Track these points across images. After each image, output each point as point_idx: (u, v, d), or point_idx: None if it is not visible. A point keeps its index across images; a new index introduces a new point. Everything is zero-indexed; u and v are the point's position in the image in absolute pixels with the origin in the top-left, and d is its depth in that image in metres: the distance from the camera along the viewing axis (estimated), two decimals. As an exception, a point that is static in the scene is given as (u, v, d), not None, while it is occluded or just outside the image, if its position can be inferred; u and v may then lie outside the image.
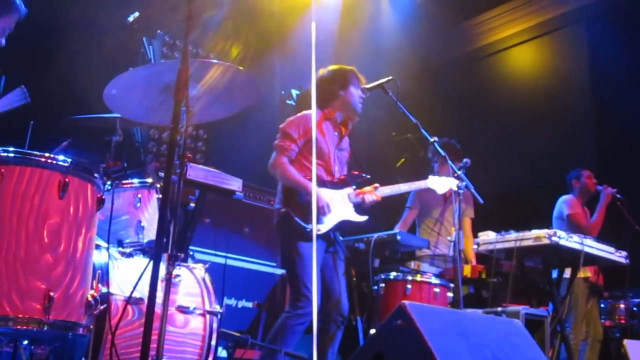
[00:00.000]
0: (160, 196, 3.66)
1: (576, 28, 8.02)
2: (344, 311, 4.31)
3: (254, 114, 6.35)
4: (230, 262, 5.67)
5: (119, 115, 3.77)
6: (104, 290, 2.97)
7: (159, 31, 6.81)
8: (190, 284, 3.43)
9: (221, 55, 7.16)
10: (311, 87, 3.35)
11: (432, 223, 5.95)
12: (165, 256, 2.51)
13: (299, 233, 4.17)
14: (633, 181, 6.49)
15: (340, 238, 4.48)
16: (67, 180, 2.69)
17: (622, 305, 6.53)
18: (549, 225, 5.94)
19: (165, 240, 2.45)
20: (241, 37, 7.43)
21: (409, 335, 2.89)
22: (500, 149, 8.00)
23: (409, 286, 4.83)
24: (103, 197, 2.89)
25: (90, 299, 2.78)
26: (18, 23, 3.57)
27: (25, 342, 2.80)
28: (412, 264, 5.21)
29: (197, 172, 3.74)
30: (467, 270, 5.29)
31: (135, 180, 3.76)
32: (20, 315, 2.51)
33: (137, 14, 4.66)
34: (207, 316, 3.35)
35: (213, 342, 3.34)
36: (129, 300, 3.01)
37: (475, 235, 5.45)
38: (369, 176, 4.51)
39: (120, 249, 3.54)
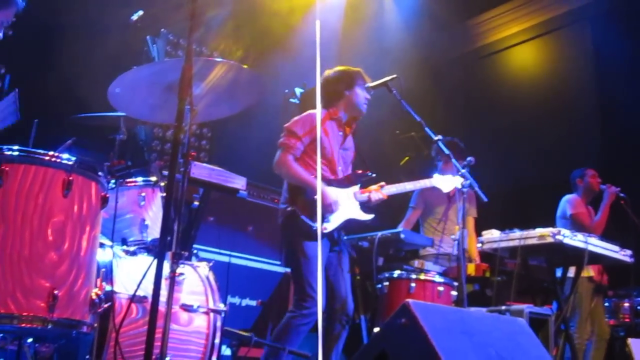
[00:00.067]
0: (164, 194, 3.66)
1: (580, 27, 8.00)
2: (349, 311, 4.30)
3: (258, 112, 6.35)
4: (234, 260, 5.68)
5: (123, 113, 3.77)
6: (108, 288, 2.98)
7: (162, 30, 6.81)
8: (194, 282, 3.43)
9: (225, 54, 7.17)
10: (315, 85, 3.35)
11: (435, 222, 5.94)
12: (169, 254, 2.52)
13: (304, 232, 4.16)
14: (636, 180, 6.47)
15: (345, 237, 4.48)
16: (71, 178, 2.69)
17: (626, 304, 6.52)
18: (553, 224, 5.93)
19: (169, 238, 2.46)
20: (245, 35, 7.43)
21: (413, 333, 2.89)
22: (504, 148, 7.99)
23: (413, 285, 4.83)
24: (107, 195, 2.89)
25: (94, 297, 2.79)
26: (22, 22, 3.57)
27: (30, 340, 2.82)
28: (416, 263, 5.20)
29: (201, 170, 3.74)
30: (471, 269, 5.29)
31: (139, 179, 3.76)
32: (24, 313, 2.51)
33: (141, 12, 4.66)
34: (211, 314, 3.36)
35: (217, 341, 3.34)
36: (133, 299, 3.01)
37: (479, 234, 5.44)
38: (374, 175, 4.50)
39: (124, 247, 3.55)
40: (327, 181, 4.31)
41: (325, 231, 4.20)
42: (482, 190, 4.61)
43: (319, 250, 3.42)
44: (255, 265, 6.08)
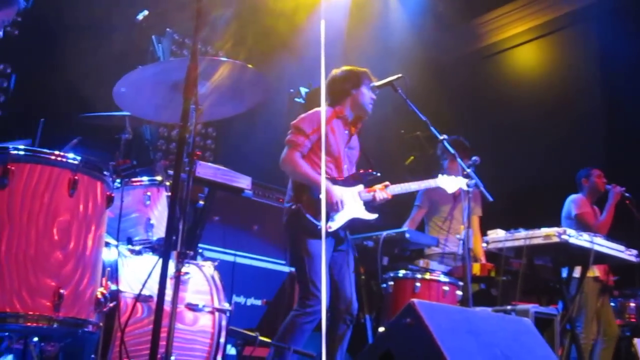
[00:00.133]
0: (170, 194, 3.67)
1: (585, 26, 7.99)
2: (353, 310, 4.30)
3: (263, 112, 6.35)
4: (239, 259, 5.69)
5: (128, 113, 3.78)
6: (114, 287, 2.98)
7: (168, 29, 6.81)
8: (200, 281, 3.43)
9: (230, 53, 7.17)
10: (320, 85, 3.35)
11: (440, 221, 5.93)
12: (174, 254, 2.52)
13: (309, 230, 4.16)
14: (642, 180, 6.47)
15: (350, 237, 4.48)
16: (76, 178, 2.69)
17: (632, 304, 6.50)
18: (558, 224, 5.92)
19: (174, 237, 2.46)
20: (250, 35, 7.43)
21: (418, 333, 2.89)
22: (509, 147, 7.98)
23: (418, 284, 4.82)
24: (112, 194, 2.89)
25: (99, 296, 2.79)
26: (28, 22, 3.58)
27: (35, 339, 2.82)
28: (421, 262, 5.20)
29: (206, 170, 3.74)
30: (476, 269, 5.28)
31: (145, 178, 3.76)
32: (30, 313, 2.52)
33: (146, 12, 4.66)
34: (216, 314, 3.36)
35: (222, 340, 3.34)
36: (138, 298, 3.02)
37: (484, 234, 5.43)
38: (378, 174, 4.50)
39: (129, 246, 3.55)
40: (332, 180, 4.31)
41: (329, 230, 4.20)
42: (487, 190, 4.61)
43: (323, 248, 3.41)
44: (260, 264, 6.09)
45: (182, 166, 2.47)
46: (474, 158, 4.78)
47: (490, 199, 4.61)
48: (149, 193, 3.74)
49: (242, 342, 4.38)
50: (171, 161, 4.49)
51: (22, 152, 2.63)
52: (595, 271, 6.03)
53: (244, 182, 3.97)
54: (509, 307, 4.81)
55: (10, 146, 2.62)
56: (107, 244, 3.12)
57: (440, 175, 4.89)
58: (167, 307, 2.37)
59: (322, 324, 2.86)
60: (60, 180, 2.67)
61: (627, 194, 6.26)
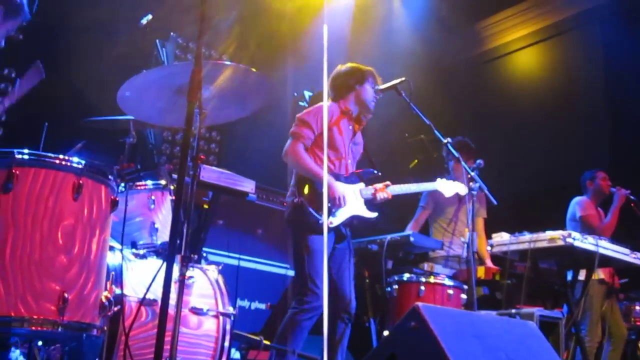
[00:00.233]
0: (174, 198, 3.67)
1: (589, 29, 7.98)
2: (351, 309, 4.28)
3: (267, 115, 6.35)
4: (243, 263, 5.68)
5: (132, 117, 3.78)
6: (118, 291, 2.99)
7: (172, 33, 6.83)
8: (204, 285, 3.43)
9: (234, 57, 7.18)
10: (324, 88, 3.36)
11: (445, 223, 5.92)
12: (178, 258, 2.52)
13: (310, 225, 4.14)
14: (647, 182, 6.45)
15: (350, 234, 4.47)
16: (81, 182, 2.70)
17: (637, 307, 6.49)
18: (563, 227, 5.91)
19: (178, 241, 2.46)
20: (253, 39, 7.43)
21: (423, 337, 2.88)
22: (514, 150, 7.97)
23: (423, 288, 4.82)
24: (117, 198, 2.90)
25: (104, 300, 2.79)
26: (32, 26, 3.59)
27: (40, 343, 2.82)
28: (426, 266, 5.19)
29: (210, 173, 3.75)
30: (480, 272, 5.27)
31: (149, 182, 3.77)
32: (35, 317, 2.52)
33: (150, 16, 4.67)
34: (221, 318, 3.36)
35: (226, 344, 3.34)
36: (143, 302, 3.02)
37: (489, 237, 5.42)
38: (379, 173, 4.51)
39: (134, 250, 3.56)
40: (335, 176, 4.31)
41: (330, 225, 4.20)
42: (491, 193, 4.61)
43: (325, 243, 3.37)
44: (264, 268, 6.08)
45: (186, 170, 2.47)
46: (478, 161, 4.78)
47: (495, 202, 4.61)
48: (153, 197, 3.74)
49: (246, 346, 4.38)
50: (175, 165, 4.51)
51: (26, 157, 2.63)
52: (600, 273, 6.02)
53: (247, 185, 3.97)
54: (513, 311, 4.80)
55: (15, 150, 2.62)
56: (112, 248, 3.12)
57: (439, 179, 4.91)
58: (171, 311, 2.37)
59: (324, 324, 2.85)
60: (65, 185, 2.67)
61: (632, 197, 6.25)
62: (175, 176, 3.67)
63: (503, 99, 8.53)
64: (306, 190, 4.21)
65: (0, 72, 2.79)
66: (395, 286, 4.94)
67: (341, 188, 4.26)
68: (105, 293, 2.83)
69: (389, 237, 5.05)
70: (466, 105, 8.50)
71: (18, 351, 2.78)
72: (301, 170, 4.27)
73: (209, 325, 3.32)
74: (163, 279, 2.32)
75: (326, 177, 3.29)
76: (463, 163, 4.56)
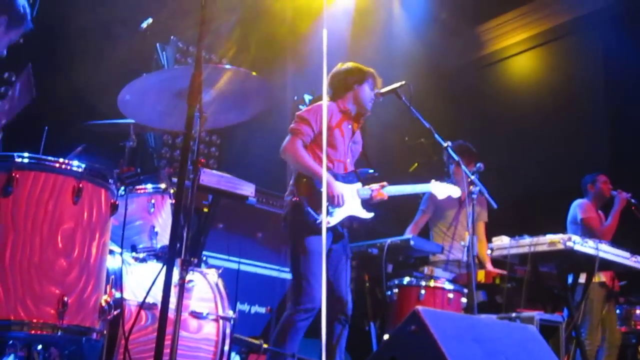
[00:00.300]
0: (174, 201, 3.67)
1: (589, 32, 7.98)
2: (348, 310, 4.27)
3: (267, 119, 6.35)
4: (243, 267, 5.67)
5: (132, 120, 3.78)
6: (118, 295, 2.98)
7: (172, 37, 6.83)
8: (204, 289, 3.43)
9: (234, 61, 7.18)
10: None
11: (445, 227, 5.92)
12: (178, 261, 2.51)
13: (308, 226, 4.12)
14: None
15: (347, 233, 4.46)
16: (81, 185, 2.70)
17: (638, 311, 6.47)
18: (563, 230, 5.91)
19: (178, 245, 2.46)
20: (254, 42, 7.44)
21: (423, 340, 2.88)
22: (514, 154, 7.97)
23: (423, 292, 4.82)
24: (117, 202, 2.90)
25: (103, 304, 2.79)
26: (32, 30, 3.61)
27: (40, 346, 2.82)
28: (426, 269, 5.19)
29: (210, 177, 3.75)
30: (480, 276, 5.27)
31: (149, 186, 3.76)
32: (34, 320, 2.51)
33: (150, 20, 4.68)
34: (220, 321, 3.35)
35: (226, 348, 3.34)
36: (143, 306, 3.02)
37: (489, 240, 5.42)
38: (376, 173, 4.51)
39: (133, 254, 3.55)
40: (333, 174, 4.30)
41: (327, 225, 4.18)
42: (491, 197, 4.61)
43: (324, 243, 3.37)
44: (264, 272, 6.08)
45: (186, 174, 2.47)
46: (478, 165, 4.79)
47: (495, 205, 4.61)
48: (153, 201, 3.73)
49: (246, 349, 4.37)
50: (175, 169, 4.49)
51: (26, 160, 2.63)
52: (601, 276, 6.02)
53: (247, 189, 3.97)
54: (513, 315, 4.79)
55: (15, 154, 2.62)
56: (112, 252, 3.12)
57: (433, 181, 4.92)
58: (171, 314, 2.36)
59: (322, 326, 2.85)
60: (65, 188, 2.67)
61: (633, 200, 6.26)
62: (175, 180, 3.66)
63: (503, 103, 8.53)
64: (304, 188, 4.19)
65: (0, 76, 2.79)
66: (396, 290, 4.94)
67: (339, 187, 4.25)
68: (105, 297, 2.83)
69: (389, 240, 5.05)
70: (466, 109, 8.51)
71: (12, 356, 2.78)
72: (299, 167, 4.26)
73: (209, 329, 3.31)
74: (163, 283, 2.31)
75: (325, 176, 3.28)
76: (463, 167, 4.56)
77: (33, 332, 2.53)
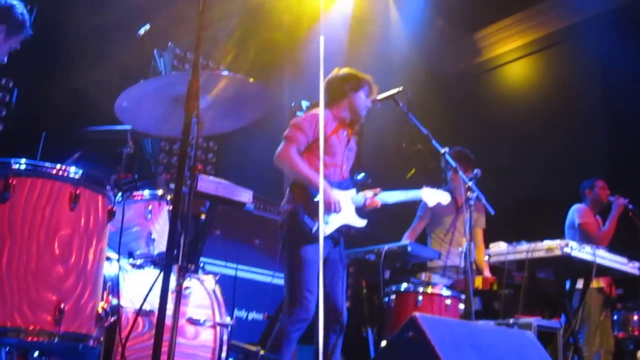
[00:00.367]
0: (171, 208, 3.66)
1: (585, 39, 8.00)
2: (343, 320, 4.26)
3: (265, 125, 6.34)
4: (240, 273, 5.67)
5: (130, 127, 3.78)
6: (115, 302, 2.98)
7: (170, 43, 6.84)
8: (201, 295, 3.42)
9: (231, 67, 7.19)
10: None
11: (443, 233, 5.92)
12: (175, 268, 2.51)
13: (304, 234, 4.12)
14: (645, 191, 6.46)
15: (343, 240, 4.45)
16: (78, 192, 2.69)
17: (635, 317, 6.47)
18: (561, 236, 5.91)
19: (175, 251, 2.45)
20: (251, 49, 7.45)
21: (421, 347, 2.88)
22: (512, 160, 7.97)
23: (420, 298, 4.81)
24: (114, 208, 2.89)
25: (100, 310, 2.78)
26: (30, 37, 3.62)
27: (36, 353, 2.81)
28: (423, 276, 5.18)
29: (208, 183, 3.74)
30: (478, 282, 5.26)
31: (146, 192, 3.76)
32: (31, 327, 2.51)
33: (148, 26, 4.68)
34: (218, 328, 3.35)
35: (223, 354, 3.33)
36: (140, 312, 3.01)
37: (486, 246, 5.42)
38: (370, 180, 4.51)
39: (130, 260, 3.55)
40: (327, 182, 4.29)
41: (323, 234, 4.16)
42: (489, 203, 4.61)
43: (321, 251, 3.35)
44: (261, 278, 6.07)
45: (184, 180, 2.47)
46: (475, 171, 4.79)
47: (492, 211, 4.62)
48: (150, 207, 3.73)
49: (243, 356, 4.36)
50: (172, 175, 4.48)
51: (23, 166, 2.63)
52: (600, 282, 6.02)
53: (245, 195, 3.96)
54: (511, 321, 4.79)
55: (12, 160, 2.62)
56: (109, 258, 3.11)
57: (424, 187, 4.92)
58: (168, 321, 2.35)
59: (320, 335, 2.85)
60: (62, 194, 2.67)
61: (630, 206, 6.27)
62: (172, 186, 3.66)
63: (501, 109, 8.55)
64: (300, 196, 4.19)
65: None
66: (393, 296, 4.93)
67: (335, 194, 4.25)
68: (102, 303, 2.82)
69: (386, 246, 5.04)
70: (464, 115, 8.52)
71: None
72: (293, 174, 4.25)
73: (206, 335, 3.30)
74: (160, 289, 2.31)
75: (322, 183, 3.28)
76: (461, 173, 4.57)
77: (29, 339, 2.52)
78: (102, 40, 5.69)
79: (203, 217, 4.00)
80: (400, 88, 4.58)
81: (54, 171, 2.69)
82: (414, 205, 5.93)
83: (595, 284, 5.79)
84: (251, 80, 3.16)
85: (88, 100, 5.08)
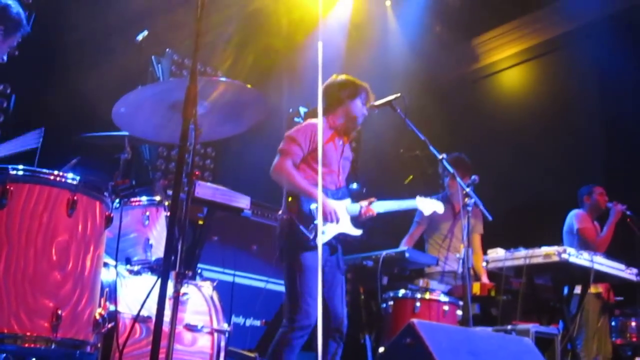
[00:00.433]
0: (169, 214, 3.66)
1: (583, 45, 8.01)
2: (343, 327, 4.24)
3: (262, 131, 6.35)
4: (238, 279, 5.66)
5: (127, 133, 3.78)
6: (112, 308, 2.97)
7: (167, 49, 6.84)
8: (198, 302, 3.42)
9: (229, 73, 7.19)
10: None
11: (440, 239, 5.92)
12: (173, 274, 2.50)
13: (301, 243, 4.11)
14: (643, 197, 6.47)
15: (340, 247, 4.45)
16: (75, 198, 2.69)
17: (633, 323, 6.47)
18: (558, 242, 5.91)
19: (173, 258, 2.45)
20: (249, 55, 7.46)
21: (418, 353, 2.87)
22: (509, 166, 7.98)
23: (418, 304, 4.81)
24: (111, 215, 2.89)
25: (98, 317, 2.78)
26: (27, 42, 3.62)
27: (33, 360, 2.80)
28: (421, 282, 5.18)
29: (205, 190, 3.74)
30: (476, 288, 5.26)
31: (144, 198, 3.76)
32: (28, 333, 2.50)
33: (146, 32, 4.68)
34: (215, 334, 3.34)
35: (221, 361, 3.32)
36: (137, 319, 3.00)
37: (484, 252, 5.42)
38: (364, 189, 4.52)
39: (128, 266, 3.54)
40: (324, 191, 4.28)
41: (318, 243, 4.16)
42: (487, 209, 4.61)
43: (320, 260, 3.36)
44: (259, 284, 6.06)
45: (181, 186, 2.47)
46: (473, 177, 4.80)
47: (490, 218, 4.62)
48: (147, 213, 3.73)
49: (241, 363, 4.36)
50: (170, 181, 4.49)
51: (20, 173, 2.63)
52: (598, 287, 6.02)
53: (243, 202, 3.97)
54: (509, 327, 4.79)
55: (9, 166, 2.62)
56: (106, 264, 3.11)
57: (418, 197, 4.92)
58: (165, 327, 2.35)
59: (319, 343, 2.85)
60: (59, 201, 2.67)
61: (628, 212, 6.27)
62: (170, 192, 3.66)
63: (498, 115, 8.57)
64: (295, 206, 4.18)
65: None
66: (391, 302, 4.92)
67: (332, 203, 4.25)
68: (99, 310, 2.82)
69: (384, 253, 5.04)
70: (461, 122, 8.54)
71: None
72: (289, 187, 4.24)
73: (204, 342, 3.30)
74: (157, 296, 2.30)
75: (320, 194, 3.29)
76: (458, 179, 4.57)
77: (26, 345, 2.51)
78: (100, 47, 5.69)
79: (201, 223, 4.00)
80: (398, 94, 4.59)
81: (52, 177, 2.69)
82: (411, 211, 5.93)
83: (593, 289, 5.79)
84: (249, 86, 3.16)
85: (86, 106, 5.08)
